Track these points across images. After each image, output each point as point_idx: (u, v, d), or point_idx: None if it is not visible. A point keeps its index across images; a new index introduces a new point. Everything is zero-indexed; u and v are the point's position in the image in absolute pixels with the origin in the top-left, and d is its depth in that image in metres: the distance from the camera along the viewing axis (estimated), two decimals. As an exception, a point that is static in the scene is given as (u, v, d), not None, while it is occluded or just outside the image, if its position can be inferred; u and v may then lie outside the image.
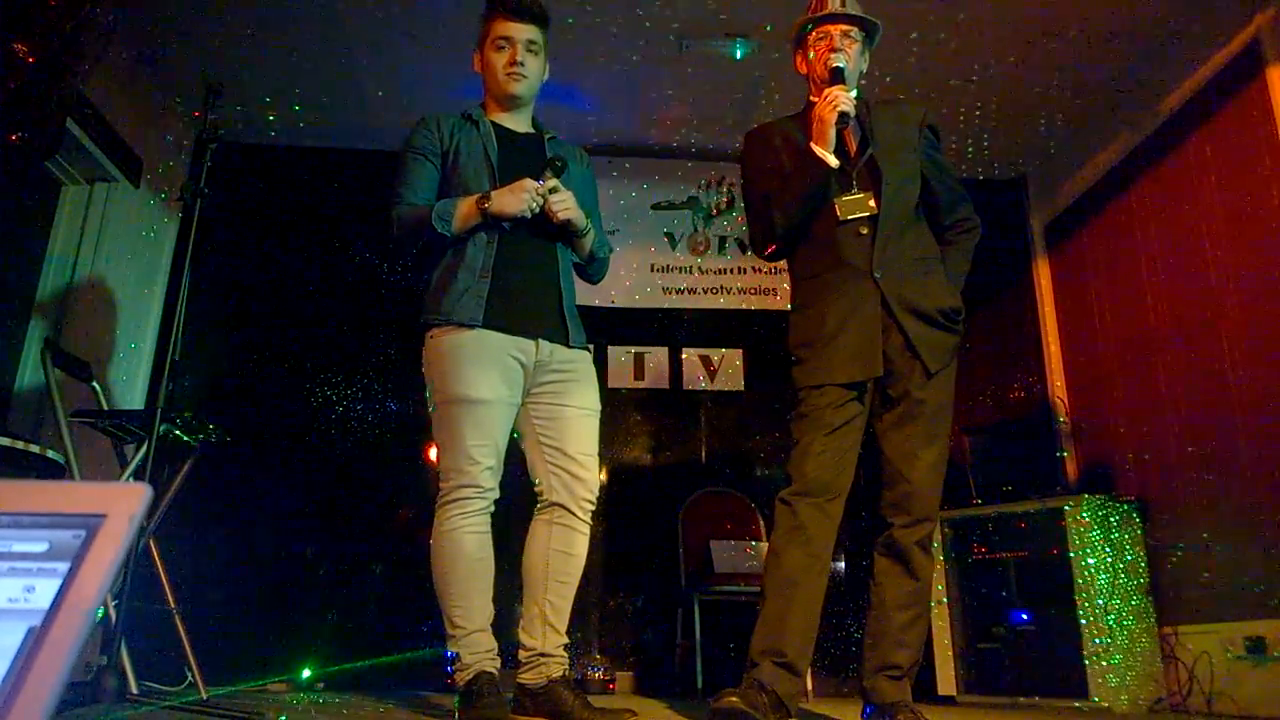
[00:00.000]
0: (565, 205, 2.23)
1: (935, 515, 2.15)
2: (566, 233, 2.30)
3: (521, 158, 2.34)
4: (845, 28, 2.25)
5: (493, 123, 2.37)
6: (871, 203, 2.16)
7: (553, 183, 2.21)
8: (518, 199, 2.17)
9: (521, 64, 2.31)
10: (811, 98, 2.30)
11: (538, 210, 2.20)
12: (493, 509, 2.19)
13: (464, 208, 2.19)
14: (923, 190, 2.27)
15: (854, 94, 2.19)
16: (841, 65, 2.18)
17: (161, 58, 3.81)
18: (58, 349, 3.00)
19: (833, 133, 2.13)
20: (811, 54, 2.28)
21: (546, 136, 2.44)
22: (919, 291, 2.14)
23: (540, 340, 2.23)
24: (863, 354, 2.09)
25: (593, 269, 2.47)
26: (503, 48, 2.32)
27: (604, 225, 2.53)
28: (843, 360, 2.10)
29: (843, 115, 2.11)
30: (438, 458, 2.22)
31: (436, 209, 2.19)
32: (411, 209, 2.24)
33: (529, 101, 2.42)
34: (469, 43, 2.48)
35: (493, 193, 2.19)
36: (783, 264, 2.38)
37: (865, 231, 2.16)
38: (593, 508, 2.24)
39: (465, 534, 2.12)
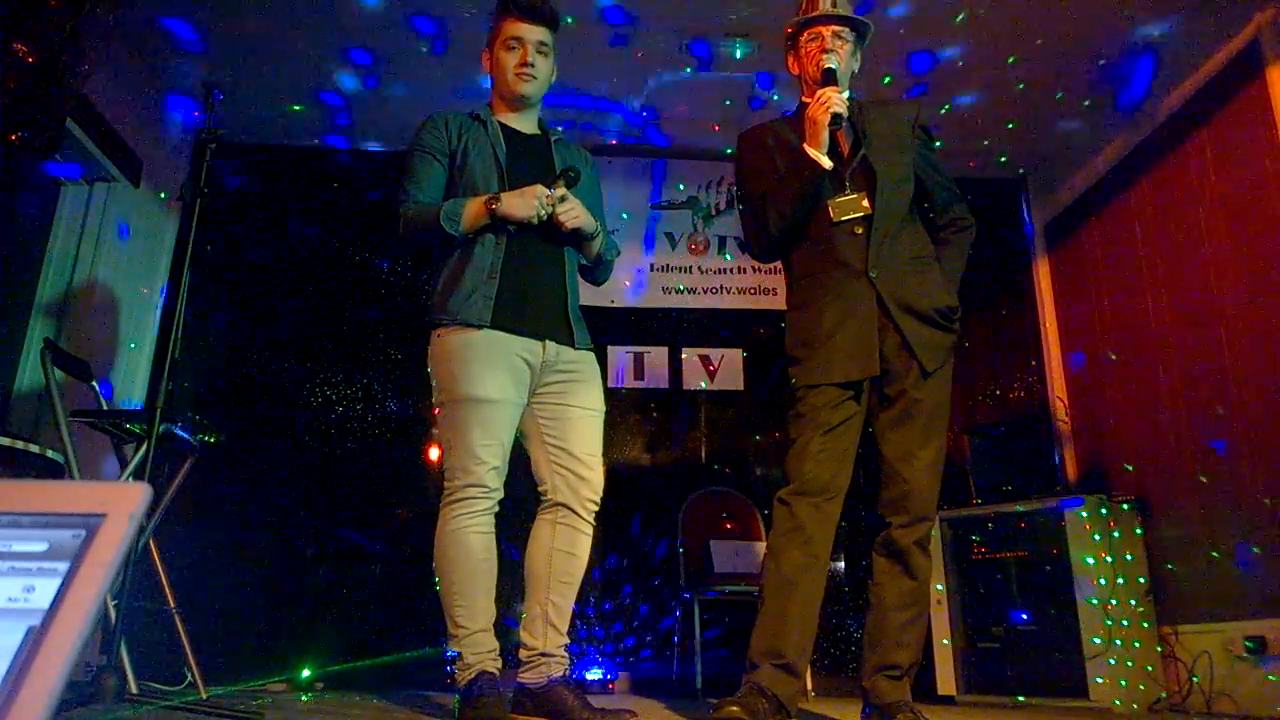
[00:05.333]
0: (574, 214, 2.23)
1: (933, 514, 2.16)
2: (575, 236, 2.30)
3: (529, 159, 2.35)
4: (836, 28, 2.26)
5: (500, 123, 2.38)
6: (865, 203, 2.17)
7: (562, 191, 2.21)
8: (527, 205, 2.17)
9: (532, 65, 2.32)
10: (804, 99, 2.31)
11: (545, 217, 2.20)
12: (497, 509, 2.19)
13: (473, 208, 2.19)
14: (917, 190, 2.28)
15: (846, 95, 2.20)
16: (833, 66, 2.19)
17: (161, 58, 3.81)
18: (58, 349, 3.00)
19: (826, 134, 2.13)
20: (803, 55, 2.29)
21: (553, 138, 2.45)
22: (915, 291, 2.15)
23: (547, 341, 2.23)
24: (859, 354, 2.10)
25: (599, 271, 2.48)
26: (514, 48, 2.32)
27: (605, 225, 2.54)
28: (839, 360, 2.10)
29: (835, 116, 2.12)
30: (442, 457, 2.22)
31: (445, 209, 2.20)
32: (420, 208, 2.24)
33: (537, 102, 2.43)
34: (469, 43, 2.48)
35: (502, 195, 2.19)
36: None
37: (860, 231, 2.17)
38: (596, 508, 2.24)
39: (470, 534, 2.12)
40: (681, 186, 4.72)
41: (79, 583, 0.51)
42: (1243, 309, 3.34)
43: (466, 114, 2.38)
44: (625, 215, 4.61)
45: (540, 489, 2.26)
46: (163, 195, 4.08)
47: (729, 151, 4.50)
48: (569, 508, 2.21)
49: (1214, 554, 3.38)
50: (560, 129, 2.53)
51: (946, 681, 3.70)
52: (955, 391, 2.23)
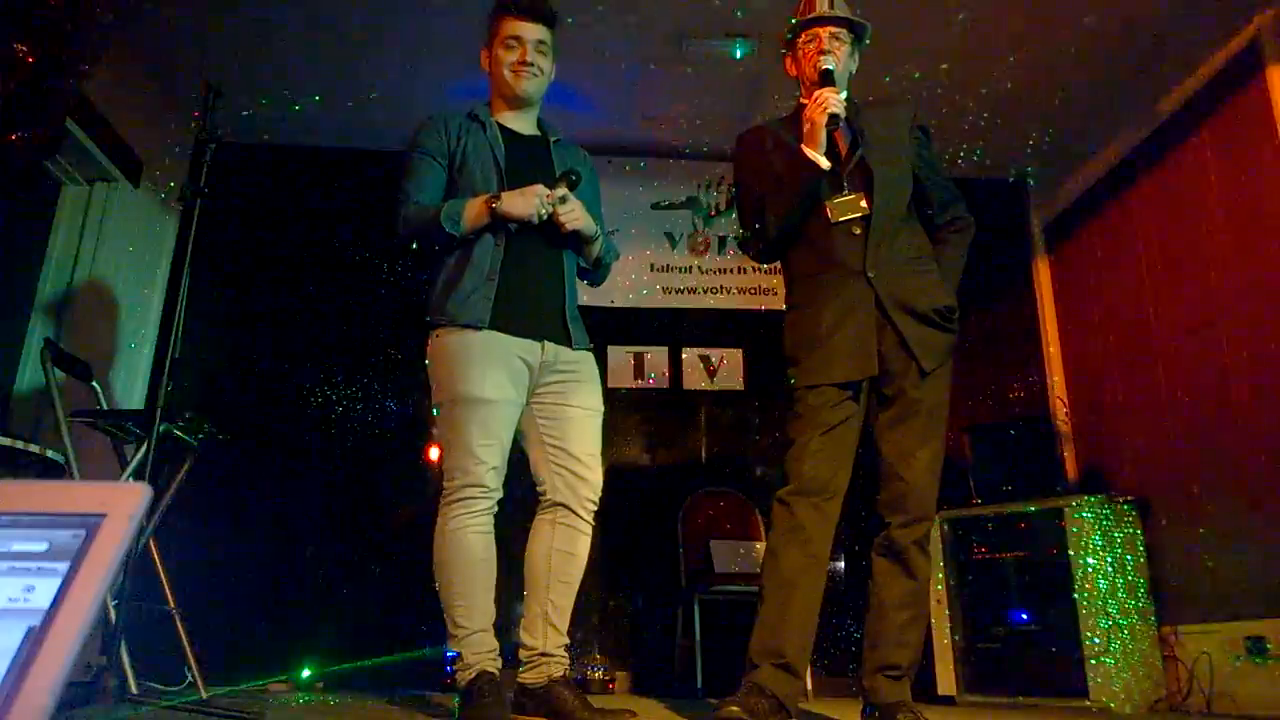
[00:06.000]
0: (574, 216, 2.23)
1: (932, 514, 2.15)
2: (575, 239, 2.30)
3: (528, 160, 2.34)
4: (834, 30, 2.25)
5: (499, 124, 2.37)
6: (863, 203, 2.17)
7: (563, 192, 2.21)
8: (527, 203, 2.17)
9: (532, 63, 2.32)
10: (802, 100, 2.30)
11: (545, 217, 2.20)
12: (495, 509, 2.19)
13: (473, 208, 2.19)
14: (915, 190, 2.27)
15: (844, 95, 2.19)
16: (830, 67, 2.19)
17: (161, 58, 3.81)
18: (58, 349, 3.00)
19: (823, 135, 2.13)
20: (801, 56, 2.29)
21: (552, 139, 2.44)
22: (913, 291, 2.15)
23: (545, 342, 2.23)
24: (858, 354, 2.10)
25: (598, 274, 2.47)
26: (513, 47, 2.32)
27: (604, 226, 2.53)
28: (838, 360, 2.10)
29: (833, 117, 2.11)
30: (441, 457, 2.22)
31: (445, 209, 2.19)
32: (419, 208, 2.24)
33: (537, 101, 2.43)
34: (469, 42, 2.48)
35: (503, 194, 2.19)
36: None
37: (858, 232, 2.16)
38: (595, 508, 2.24)
39: (469, 533, 2.12)
40: (681, 186, 4.72)
41: (79, 583, 0.52)
42: (1243, 309, 3.34)
43: (465, 114, 2.38)
44: (625, 215, 4.61)
45: (539, 489, 2.26)
46: (163, 195, 4.08)
47: (729, 151, 4.50)
48: (568, 508, 2.21)
49: (1214, 554, 3.38)
50: (559, 129, 2.53)
51: (946, 681, 3.70)
52: (955, 391, 2.22)
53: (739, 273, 4.63)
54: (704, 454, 4.39)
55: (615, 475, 4.14)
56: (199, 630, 2.78)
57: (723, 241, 4.67)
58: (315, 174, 4.50)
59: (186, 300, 2.32)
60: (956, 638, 3.74)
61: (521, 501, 2.35)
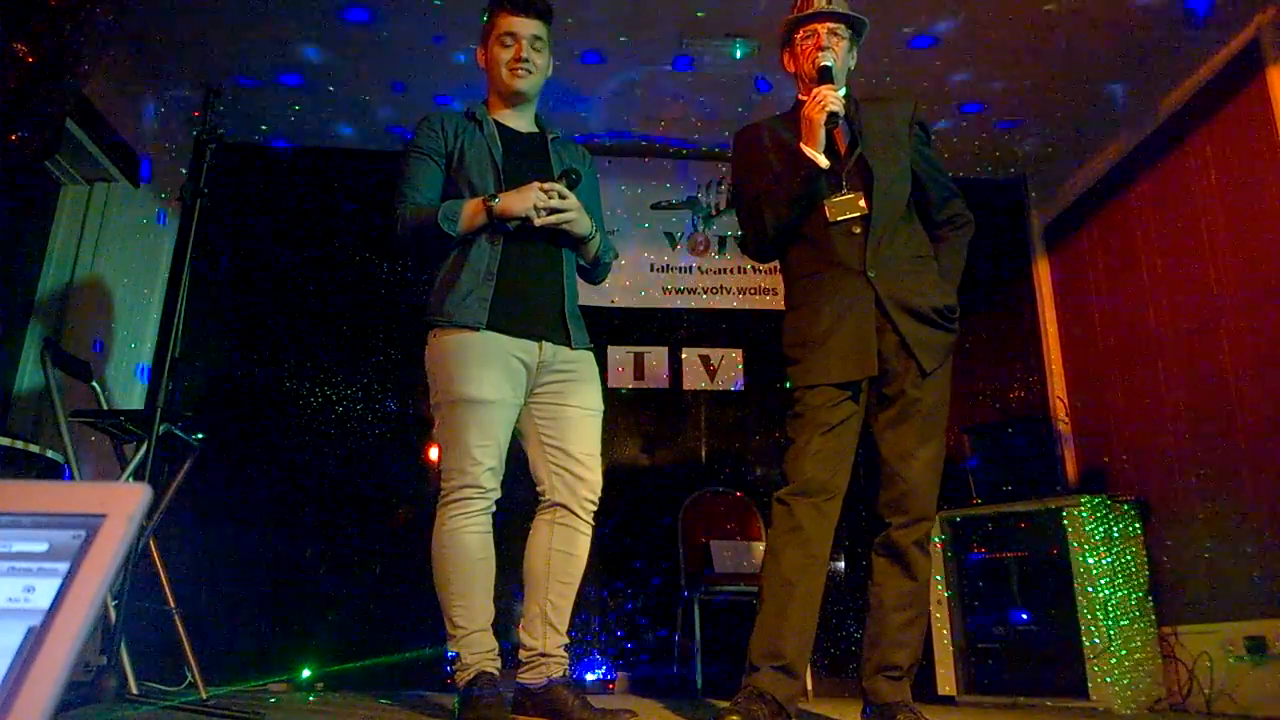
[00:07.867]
0: (564, 214, 2.21)
1: (932, 515, 2.14)
2: (571, 238, 2.30)
3: (526, 159, 2.34)
4: (832, 25, 2.24)
5: (496, 122, 2.37)
6: (862, 202, 2.15)
7: (559, 187, 2.20)
8: (524, 200, 2.18)
9: (527, 60, 2.31)
10: (800, 97, 2.28)
11: (545, 214, 2.19)
12: (494, 509, 2.19)
13: (470, 208, 2.19)
14: (914, 187, 2.26)
15: (843, 92, 2.18)
16: (829, 64, 2.17)
17: (161, 58, 3.81)
18: (58, 349, 3.00)
19: (822, 133, 2.11)
20: (799, 53, 2.27)
21: (550, 136, 2.44)
22: (913, 290, 2.14)
23: (544, 342, 2.23)
24: (857, 354, 2.09)
25: (597, 273, 2.47)
26: (508, 44, 2.32)
27: (604, 225, 2.53)
28: (837, 360, 2.09)
29: (832, 115, 2.10)
30: (439, 457, 2.22)
31: (443, 209, 2.19)
32: (417, 209, 2.24)
33: (534, 98, 2.42)
34: (469, 41, 2.48)
35: (500, 194, 2.19)
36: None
37: (857, 231, 2.15)
38: (595, 508, 2.23)
39: (467, 534, 2.12)
40: (681, 186, 4.72)
41: (79, 583, 0.52)
42: (1243, 309, 3.34)
43: (462, 114, 2.38)
44: (625, 215, 4.61)
45: (538, 489, 2.26)
46: (163, 195, 4.08)
47: (729, 151, 4.50)
48: (567, 508, 2.20)
49: (1214, 554, 3.38)
50: (558, 127, 2.52)
51: (946, 681, 3.70)
52: (955, 391, 2.22)
53: (739, 273, 4.63)
54: (704, 454, 4.39)
55: (615, 475, 4.14)
56: (199, 630, 2.78)
57: (723, 241, 4.67)
58: (315, 174, 4.50)
59: (186, 300, 2.32)
60: (956, 638, 3.74)
61: (521, 502, 2.35)
